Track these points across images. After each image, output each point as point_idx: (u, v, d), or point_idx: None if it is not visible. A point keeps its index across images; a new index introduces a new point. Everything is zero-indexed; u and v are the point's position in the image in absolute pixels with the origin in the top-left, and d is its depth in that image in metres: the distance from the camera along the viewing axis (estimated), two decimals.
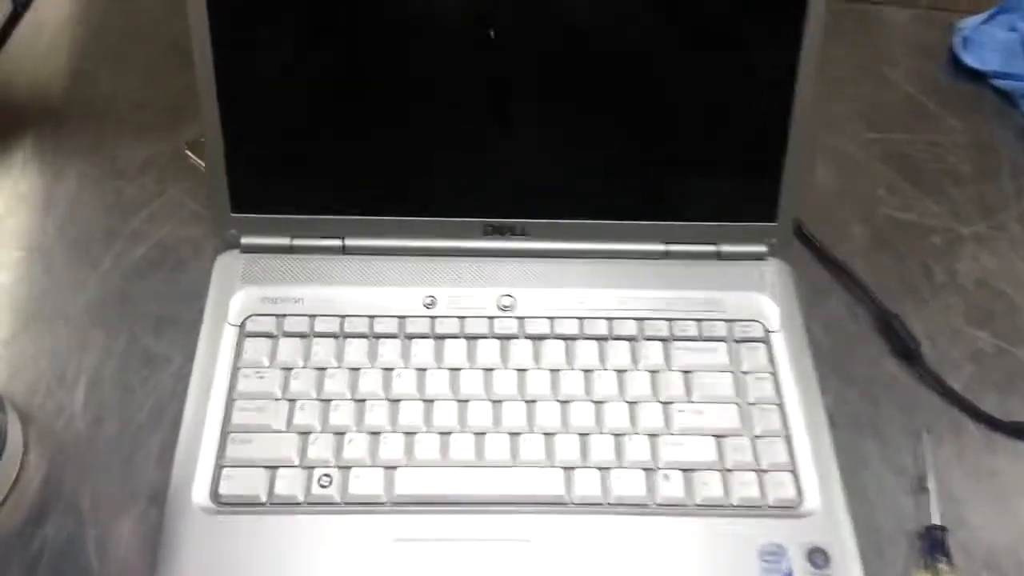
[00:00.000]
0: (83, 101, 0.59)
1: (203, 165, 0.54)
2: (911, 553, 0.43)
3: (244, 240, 0.48)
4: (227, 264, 0.48)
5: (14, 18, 0.64)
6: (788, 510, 0.42)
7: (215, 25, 0.43)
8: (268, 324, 0.46)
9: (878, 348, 0.50)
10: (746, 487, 0.42)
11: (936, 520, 0.43)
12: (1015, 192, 0.58)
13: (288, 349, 0.45)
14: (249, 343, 0.45)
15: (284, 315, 0.46)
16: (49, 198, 0.54)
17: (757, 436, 0.44)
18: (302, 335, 0.46)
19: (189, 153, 0.56)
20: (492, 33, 0.44)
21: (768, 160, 0.47)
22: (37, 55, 0.62)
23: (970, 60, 0.64)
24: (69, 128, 0.58)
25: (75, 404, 0.45)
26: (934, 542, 0.42)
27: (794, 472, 0.43)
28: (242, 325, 0.46)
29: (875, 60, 0.65)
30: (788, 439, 0.44)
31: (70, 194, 0.54)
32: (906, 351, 0.49)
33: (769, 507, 0.42)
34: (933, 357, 0.49)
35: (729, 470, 0.43)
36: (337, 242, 0.49)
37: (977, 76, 0.64)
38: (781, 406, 0.45)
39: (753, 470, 0.43)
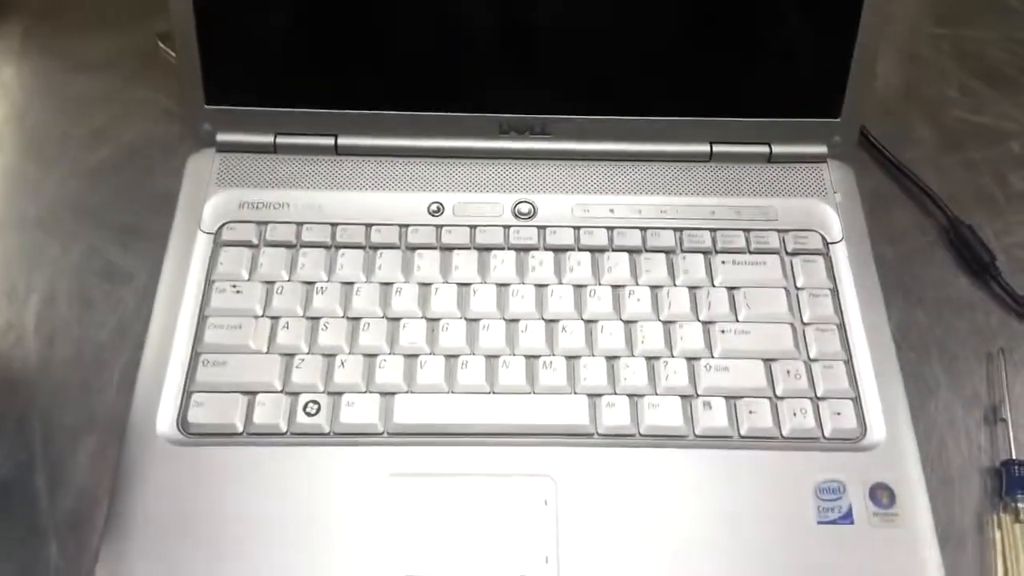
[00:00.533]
0: None
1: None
2: (985, 492, 0.38)
3: (220, 137, 0.42)
4: (200, 164, 0.43)
5: None
6: (848, 442, 0.36)
7: None
8: (247, 232, 0.40)
9: (948, 262, 0.45)
10: (800, 417, 0.37)
11: (1014, 454, 0.38)
12: None
13: (270, 260, 0.40)
14: (225, 253, 0.40)
15: (266, 222, 0.41)
16: (3, 95, 0.48)
17: (813, 360, 0.38)
18: (287, 245, 0.40)
19: (161, 45, 0.50)
20: None
21: (833, 44, 0.40)
22: None
23: None
24: (26, 19, 0.51)
25: (26, 322, 0.40)
26: (1012, 478, 0.37)
27: (856, 400, 0.37)
28: (217, 232, 0.40)
29: None
30: (849, 363, 0.38)
31: (27, 91, 0.48)
32: (980, 265, 0.44)
33: (826, 439, 0.36)
34: (1009, 272, 0.44)
35: (780, 398, 0.37)
36: (329, 140, 0.43)
37: None
38: (842, 326, 0.39)
39: (808, 398, 0.37)
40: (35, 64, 0.49)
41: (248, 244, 0.40)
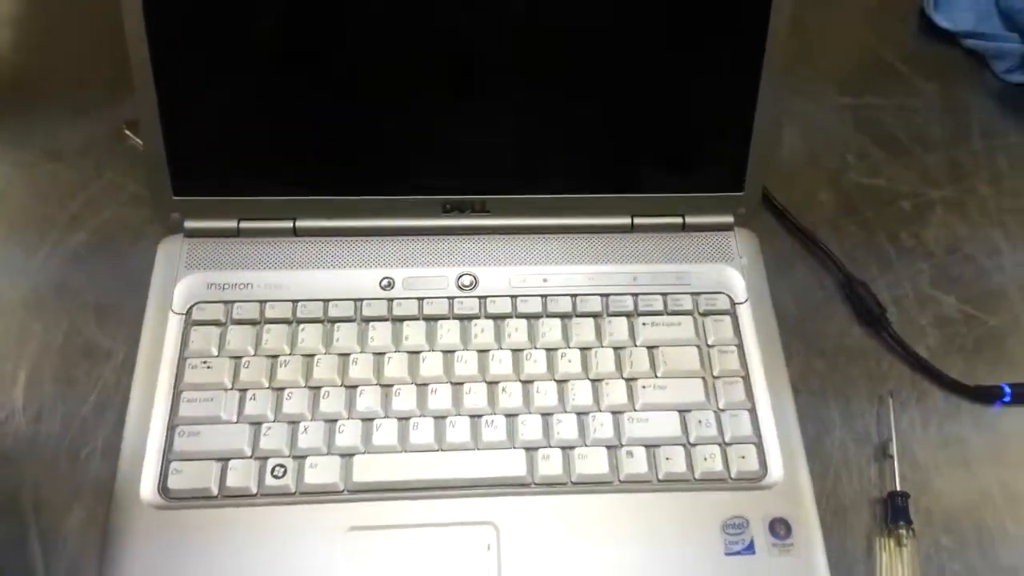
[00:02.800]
0: (14, 82, 0.56)
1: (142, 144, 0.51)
2: (874, 520, 0.43)
3: (188, 224, 0.46)
4: (170, 249, 0.46)
5: None
6: (751, 482, 0.41)
7: None
8: (215, 311, 0.44)
9: (845, 315, 0.50)
10: (710, 461, 0.42)
11: (898, 486, 0.43)
12: (985, 154, 0.57)
13: (237, 337, 0.44)
14: (195, 331, 0.44)
15: (232, 301, 0.45)
16: None
17: (721, 409, 0.43)
18: (252, 322, 0.44)
19: (128, 133, 0.53)
20: None
21: (735, 129, 0.46)
22: None
23: (941, 20, 0.63)
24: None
25: (15, 400, 0.44)
26: (896, 508, 0.42)
27: (758, 444, 0.42)
28: (188, 313, 0.44)
29: (848, 21, 0.64)
30: (753, 411, 0.43)
31: (1, 181, 0.52)
32: (872, 318, 0.49)
33: (732, 480, 0.41)
34: (899, 323, 0.49)
35: (693, 444, 0.42)
36: (287, 223, 0.47)
37: (948, 36, 0.63)
38: (746, 378, 0.44)
39: (717, 443, 0.42)
40: (12, 153, 0.53)
41: (216, 323, 0.44)
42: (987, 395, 0.47)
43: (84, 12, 0.59)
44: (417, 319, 0.45)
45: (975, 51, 0.62)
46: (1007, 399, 0.46)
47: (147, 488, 0.39)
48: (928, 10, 0.64)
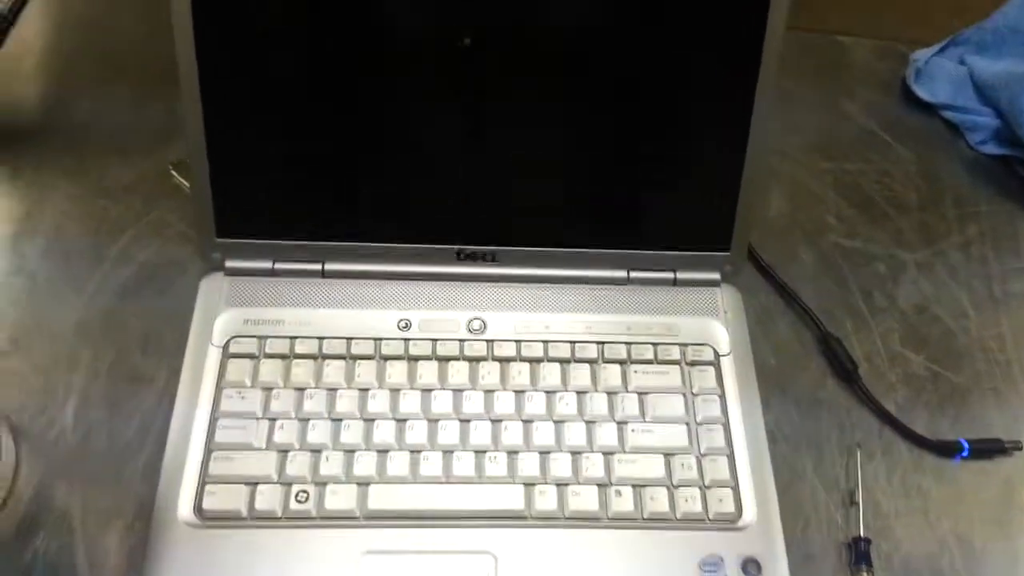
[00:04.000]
0: (68, 123, 0.61)
1: (187, 185, 0.56)
2: (839, 562, 0.47)
3: (228, 263, 0.51)
4: (211, 286, 0.51)
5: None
6: (727, 523, 0.46)
7: (202, 56, 0.45)
8: (250, 345, 0.49)
9: (820, 369, 0.54)
10: (690, 502, 0.46)
11: (862, 532, 0.47)
12: (957, 220, 0.62)
13: (269, 370, 0.48)
14: (232, 364, 0.48)
15: (265, 336, 0.49)
16: (35, 219, 0.56)
17: (703, 454, 0.48)
18: (283, 356, 0.49)
19: (174, 173, 0.58)
20: (467, 41, 0.46)
21: (723, 194, 0.50)
22: (21, 78, 0.64)
23: (921, 92, 0.68)
24: (54, 150, 0.59)
25: (65, 420, 0.48)
26: (859, 553, 0.46)
27: (734, 488, 0.47)
28: (225, 346, 0.49)
29: (833, 91, 0.69)
30: (731, 457, 0.48)
31: (56, 215, 0.56)
32: (845, 372, 0.53)
33: (710, 520, 0.46)
34: (870, 378, 0.53)
35: (676, 486, 0.46)
36: (317, 266, 0.51)
37: (927, 107, 0.68)
38: (726, 426, 0.49)
39: (697, 486, 0.46)
40: (67, 188, 0.57)
41: (251, 356, 0.48)
42: (948, 449, 0.51)
43: (133, 63, 0.64)
44: (431, 359, 0.49)
45: (952, 122, 0.67)
46: (965, 454, 0.50)
47: (184, 508, 0.44)
48: (909, 82, 0.68)
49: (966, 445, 0.51)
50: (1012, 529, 0.48)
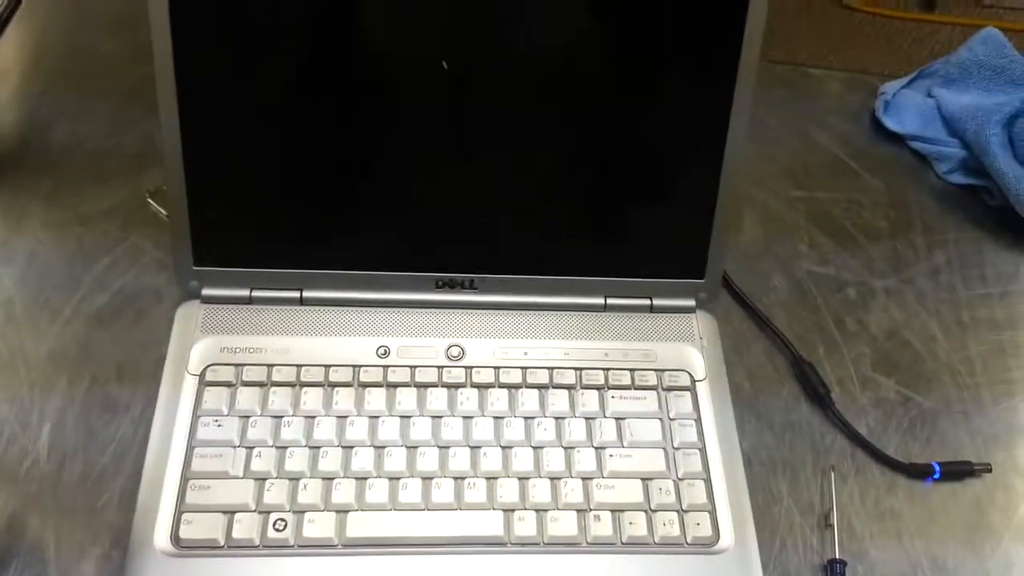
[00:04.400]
0: (44, 149, 0.61)
1: (164, 213, 0.56)
2: None
3: (205, 291, 0.51)
4: (188, 314, 0.51)
5: None
6: (704, 547, 0.46)
7: (181, 84, 0.46)
8: (227, 373, 0.49)
9: (793, 393, 0.55)
10: (668, 526, 0.46)
11: (837, 554, 0.48)
12: (925, 247, 0.64)
13: (246, 398, 0.48)
14: (208, 392, 0.48)
15: (243, 364, 0.49)
16: (10, 246, 0.56)
17: (680, 478, 0.48)
18: (260, 384, 0.49)
19: (151, 201, 0.58)
20: (445, 65, 0.46)
21: (697, 224, 0.52)
22: None
23: (890, 123, 0.70)
24: (30, 176, 0.59)
25: (40, 448, 0.47)
26: (834, 574, 0.47)
27: (711, 512, 0.47)
28: (202, 374, 0.49)
29: (805, 121, 0.71)
30: (708, 481, 0.48)
31: (31, 242, 0.56)
32: (817, 396, 0.54)
33: (688, 544, 0.46)
34: (842, 402, 0.54)
35: (654, 510, 0.47)
36: (295, 294, 0.51)
37: (897, 137, 0.70)
38: (703, 450, 0.49)
39: (675, 510, 0.47)
40: (42, 215, 0.57)
41: (228, 384, 0.48)
42: (919, 472, 0.52)
43: (111, 88, 0.64)
44: (409, 386, 0.49)
45: (920, 153, 0.69)
46: (937, 476, 0.51)
47: (161, 536, 0.43)
48: (878, 114, 0.70)
49: (937, 468, 0.52)
50: (983, 550, 0.49)
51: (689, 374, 0.52)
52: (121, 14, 0.69)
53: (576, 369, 0.51)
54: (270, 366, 0.49)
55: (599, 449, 0.49)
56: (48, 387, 0.50)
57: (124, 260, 0.56)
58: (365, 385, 0.49)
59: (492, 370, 0.51)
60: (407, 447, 0.47)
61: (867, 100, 0.72)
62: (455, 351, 0.51)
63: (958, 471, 0.52)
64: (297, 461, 0.46)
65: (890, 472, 0.52)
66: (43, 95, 0.64)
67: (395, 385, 0.49)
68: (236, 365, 0.49)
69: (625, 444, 0.49)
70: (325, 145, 0.49)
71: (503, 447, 0.48)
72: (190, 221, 0.49)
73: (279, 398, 0.48)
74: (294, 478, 0.46)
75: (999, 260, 0.63)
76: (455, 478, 0.47)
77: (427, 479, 0.46)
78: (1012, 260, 0.63)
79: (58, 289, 0.54)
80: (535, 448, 0.48)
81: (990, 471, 0.52)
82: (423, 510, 0.46)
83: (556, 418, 0.49)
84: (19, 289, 0.54)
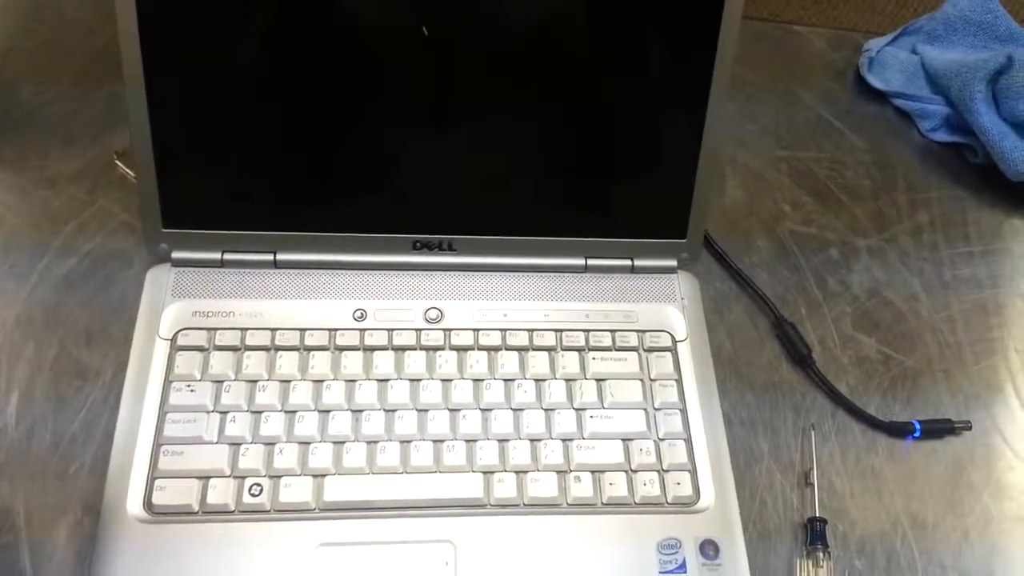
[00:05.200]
0: (8, 111, 0.59)
1: (132, 175, 0.55)
2: (795, 542, 0.47)
3: (175, 255, 0.50)
4: (158, 278, 0.50)
5: None
6: (685, 506, 0.46)
7: (146, 42, 0.44)
8: (199, 338, 0.48)
9: (775, 353, 0.55)
10: (649, 486, 0.46)
11: (817, 512, 0.48)
12: (908, 206, 0.63)
13: (219, 362, 0.47)
14: (180, 357, 0.47)
15: (215, 328, 0.48)
16: None
17: (661, 439, 0.48)
18: (233, 348, 0.48)
19: (119, 163, 0.56)
20: (425, 31, 0.45)
21: (679, 183, 0.51)
22: None
23: (874, 80, 0.69)
24: None
25: (7, 416, 0.46)
26: (814, 532, 0.47)
27: (692, 472, 0.47)
28: (173, 339, 0.48)
29: (788, 80, 0.69)
30: (688, 441, 0.48)
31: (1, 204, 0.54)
32: (799, 356, 0.54)
33: (668, 504, 0.46)
34: (823, 361, 0.54)
35: (634, 471, 0.47)
36: (268, 256, 0.50)
37: (881, 95, 0.69)
38: (683, 411, 0.49)
39: (655, 470, 0.47)
40: (7, 179, 0.55)
41: (200, 348, 0.47)
42: (900, 430, 0.52)
43: (77, 49, 0.62)
44: (387, 349, 0.49)
45: (903, 110, 0.68)
46: (917, 434, 0.52)
47: (133, 503, 0.43)
48: (862, 71, 0.69)
49: (917, 426, 0.52)
50: (962, 507, 0.50)
51: (670, 335, 0.51)
52: None
53: (556, 331, 0.51)
54: (244, 330, 0.48)
55: (579, 411, 0.48)
56: (15, 354, 0.49)
57: (92, 223, 0.54)
58: (342, 349, 0.48)
59: (471, 332, 0.50)
60: (385, 411, 0.47)
61: (851, 58, 0.71)
62: (433, 314, 0.51)
63: (938, 429, 0.52)
64: (273, 426, 0.45)
65: (871, 431, 0.52)
66: (6, 55, 0.62)
67: (372, 348, 0.49)
68: (209, 329, 0.48)
69: (606, 405, 0.49)
70: (299, 105, 0.47)
71: (482, 410, 0.48)
72: (158, 182, 0.48)
73: (253, 362, 0.47)
74: (270, 443, 0.45)
75: (982, 218, 0.63)
76: (434, 441, 0.46)
77: (405, 442, 0.46)
78: (995, 218, 0.63)
79: (25, 253, 0.52)
80: (515, 410, 0.48)
81: (970, 429, 0.52)
82: (401, 473, 0.45)
83: (536, 380, 0.49)
84: None
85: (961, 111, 0.64)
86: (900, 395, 0.54)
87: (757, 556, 0.46)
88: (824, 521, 0.47)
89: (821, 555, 0.46)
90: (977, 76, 0.62)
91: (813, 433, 0.51)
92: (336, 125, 0.48)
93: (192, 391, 0.46)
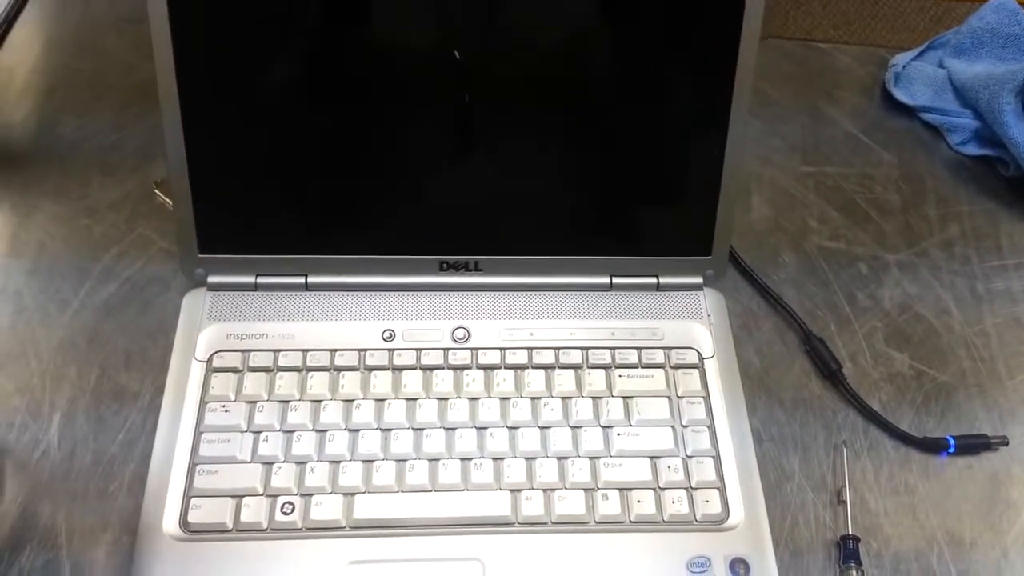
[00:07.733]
0: (52, 144, 0.61)
1: (170, 203, 0.57)
2: (828, 561, 0.47)
3: (211, 279, 0.51)
4: (194, 302, 0.51)
5: None
6: (714, 524, 0.46)
7: (181, 77, 0.46)
8: (234, 359, 0.49)
9: (804, 369, 0.54)
10: (677, 504, 0.46)
11: (850, 530, 0.47)
12: (939, 220, 0.62)
13: (253, 383, 0.48)
14: (216, 378, 0.48)
15: (249, 350, 0.49)
16: (20, 239, 0.56)
17: (689, 456, 0.48)
18: (266, 369, 0.49)
19: (157, 192, 0.58)
20: (456, 55, 0.46)
21: (703, 200, 0.51)
22: (7, 99, 0.64)
23: (901, 95, 0.68)
24: (38, 170, 0.60)
25: (51, 437, 0.48)
26: (848, 551, 0.46)
27: (721, 489, 0.47)
28: (209, 360, 0.49)
29: (815, 96, 0.69)
30: (717, 459, 0.48)
31: (40, 234, 0.57)
32: (829, 372, 0.53)
33: (697, 522, 0.46)
34: (854, 377, 0.53)
35: (662, 488, 0.46)
36: (300, 279, 0.51)
37: (908, 110, 0.68)
38: (712, 427, 0.49)
39: (684, 488, 0.47)
40: (51, 208, 0.58)
41: (234, 370, 0.49)
42: (934, 446, 0.51)
43: (117, 84, 0.65)
44: (415, 368, 0.49)
45: (932, 124, 0.68)
46: (952, 450, 0.51)
47: (170, 521, 0.44)
48: (889, 86, 0.69)
49: (952, 441, 0.51)
50: (1000, 524, 0.48)
51: (697, 351, 0.51)
52: (127, 12, 0.70)
53: (582, 349, 0.51)
54: (276, 351, 0.49)
55: (606, 428, 0.48)
56: (58, 377, 0.50)
57: (131, 250, 0.56)
58: (371, 369, 0.49)
59: (498, 351, 0.50)
60: (413, 429, 0.47)
61: (878, 73, 0.71)
62: (460, 333, 0.51)
63: (974, 445, 0.51)
64: (304, 445, 0.46)
65: (904, 447, 0.51)
66: (51, 92, 0.65)
67: (401, 368, 0.49)
68: (243, 351, 0.49)
69: (633, 423, 0.49)
70: (329, 132, 0.49)
71: (509, 428, 0.48)
72: (194, 210, 0.49)
73: (285, 383, 0.48)
74: (301, 462, 0.46)
75: (1014, 231, 0.62)
76: (462, 459, 0.47)
77: (434, 461, 0.46)
78: None
79: (67, 280, 0.54)
80: (542, 428, 0.48)
81: (1007, 444, 0.51)
82: (430, 491, 0.46)
83: (563, 398, 0.49)
84: (28, 281, 0.54)
85: (990, 123, 0.63)
86: (934, 411, 0.53)
87: (789, 574, 0.46)
88: (857, 539, 0.47)
89: (855, 573, 0.46)
90: (1006, 88, 0.62)
91: (845, 450, 0.50)
92: (366, 150, 0.49)
93: (227, 411, 0.47)
